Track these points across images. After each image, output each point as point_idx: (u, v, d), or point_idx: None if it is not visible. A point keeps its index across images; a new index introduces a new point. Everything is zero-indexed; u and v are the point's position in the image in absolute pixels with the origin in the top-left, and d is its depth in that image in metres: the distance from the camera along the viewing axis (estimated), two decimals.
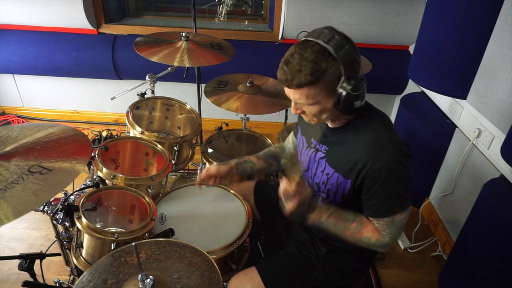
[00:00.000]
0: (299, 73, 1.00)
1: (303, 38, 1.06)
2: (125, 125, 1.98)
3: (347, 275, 1.37)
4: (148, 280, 0.93)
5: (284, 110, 2.21)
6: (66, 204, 1.33)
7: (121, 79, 3.14)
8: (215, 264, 1.05)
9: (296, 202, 1.12)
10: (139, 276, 0.93)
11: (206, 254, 1.09)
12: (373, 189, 1.10)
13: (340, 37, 1.03)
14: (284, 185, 1.13)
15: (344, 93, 1.03)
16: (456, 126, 2.23)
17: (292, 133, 1.57)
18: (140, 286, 0.93)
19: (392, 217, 1.11)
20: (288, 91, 1.09)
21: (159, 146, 1.77)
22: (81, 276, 1.01)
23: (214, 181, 1.49)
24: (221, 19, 3.35)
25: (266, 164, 1.55)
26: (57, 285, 1.59)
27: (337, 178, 1.18)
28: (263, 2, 3.25)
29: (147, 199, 1.45)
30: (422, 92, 2.67)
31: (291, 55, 1.03)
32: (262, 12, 3.31)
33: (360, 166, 1.10)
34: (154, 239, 1.17)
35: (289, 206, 1.14)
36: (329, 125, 1.22)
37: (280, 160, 1.58)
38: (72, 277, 1.67)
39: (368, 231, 1.16)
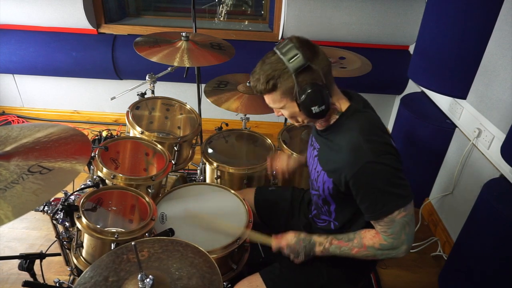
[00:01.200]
0: (258, 82, 1.13)
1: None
2: (125, 125, 1.98)
3: (351, 278, 1.37)
4: (148, 279, 0.93)
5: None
6: (66, 204, 1.33)
7: (121, 79, 3.14)
8: (217, 266, 1.05)
9: (288, 251, 1.26)
10: (139, 275, 0.93)
11: (208, 255, 1.09)
12: (360, 192, 1.11)
13: (297, 45, 1.07)
14: (273, 246, 1.30)
15: (299, 100, 1.10)
16: (456, 126, 2.23)
17: None
18: (140, 285, 0.93)
19: (389, 216, 1.10)
20: None
21: (159, 146, 1.77)
22: (83, 272, 1.01)
23: (283, 175, 1.60)
24: (221, 19, 3.35)
25: None
26: (57, 285, 1.59)
27: (323, 177, 1.22)
28: (263, 2, 3.25)
29: (147, 199, 1.45)
30: (422, 92, 2.67)
31: (256, 65, 1.15)
32: (262, 12, 3.31)
33: (340, 169, 1.13)
34: (157, 237, 1.17)
35: (290, 257, 1.27)
36: (317, 127, 1.27)
37: None
38: (72, 277, 1.67)
39: (369, 240, 1.16)
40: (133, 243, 0.93)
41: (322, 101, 1.09)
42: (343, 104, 1.20)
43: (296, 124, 1.24)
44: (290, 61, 1.07)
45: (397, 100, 3.18)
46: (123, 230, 1.32)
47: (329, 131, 1.21)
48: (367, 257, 1.18)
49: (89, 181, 1.53)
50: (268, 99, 1.17)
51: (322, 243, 1.22)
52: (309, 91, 1.07)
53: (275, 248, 1.29)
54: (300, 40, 1.10)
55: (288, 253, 1.26)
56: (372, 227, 1.18)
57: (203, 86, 2.18)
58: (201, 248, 1.11)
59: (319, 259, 1.35)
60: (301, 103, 1.10)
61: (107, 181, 1.55)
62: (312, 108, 1.10)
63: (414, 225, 1.13)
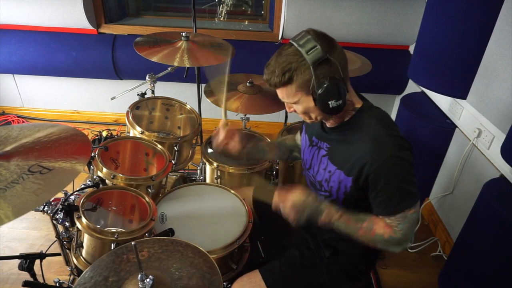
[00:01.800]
0: (273, 74, 1.08)
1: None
2: (125, 125, 1.98)
3: (351, 277, 1.37)
4: (148, 280, 0.93)
5: (284, 110, 2.20)
6: (66, 204, 1.33)
7: (121, 79, 3.14)
8: (217, 266, 1.05)
9: (291, 212, 1.16)
10: (139, 275, 0.93)
11: (208, 255, 1.09)
12: (378, 186, 1.10)
13: (315, 38, 1.04)
14: (274, 202, 1.20)
15: (316, 93, 1.06)
16: (456, 126, 2.23)
17: (299, 131, 1.58)
18: (140, 285, 0.93)
19: (403, 213, 1.09)
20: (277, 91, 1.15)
21: (159, 146, 1.77)
22: (83, 272, 1.01)
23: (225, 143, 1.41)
24: (221, 19, 3.35)
25: (280, 152, 1.61)
26: (57, 285, 1.59)
27: (339, 176, 1.18)
28: (263, 2, 3.25)
29: (147, 199, 1.45)
30: (422, 92, 2.67)
31: (271, 58, 1.10)
32: (262, 12, 3.31)
33: (361, 163, 1.10)
34: (157, 237, 1.17)
35: (289, 217, 1.17)
36: (327, 124, 1.23)
37: (293, 152, 1.61)
38: (72, 277, 1.67)
39: (380, 228, 1.13)
40: (133, 243, 0.93)
41: (339, 95, 1.06)
42: (357, 101, 1.19)
43: (308, 121, 1.20)
44: (308, 53, 1.03)
45: (397, 100, 3.18)
46: (123, 230, 1.32)
47: (344, 127, 1.18)
48: (369, 242, 1.14)
49: (89, 181, 1.53)
50: (281, 93, 1.13)
51: (331, 214, 1.15)
52: (326, 84, 1.04)
53: (275, 207, 1.20)
54: (318, 33, 1.07)
55: (289, 212, 1.16)
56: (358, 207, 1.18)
57: (203, 86, 2.18)
58: (201, 248, 1.11)
59: (318, 255, 1.35)
60: (318, 97, 1.06)
61: (107, 181, 1.55)
62: (329, 102, 1.06)
63: (415, 226, 1.13)
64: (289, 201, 1.16)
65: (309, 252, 1.38)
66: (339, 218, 1.15)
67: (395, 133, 1.11)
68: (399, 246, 1.13)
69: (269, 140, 2.03)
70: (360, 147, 1.11)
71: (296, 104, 1.14)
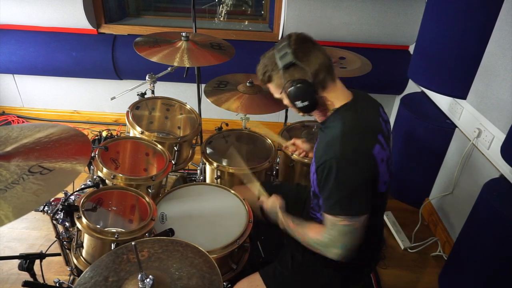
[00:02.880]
0: (258, 72, 1.27)
1: None
2: (125, 125, 1.98)
3: (351, 278, 1.37)
4: (148, 279, 0.93)
5: (284, 110, 2.21)
6: (66, 204, 1.33)
7: (121, 79, 3.14)
8: (217, 266, 1.05)
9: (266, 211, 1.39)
10: (139, 275, 0.93)
11: (208, 255, 1.09)
12: (321, 182, 1.16)
13: (290, 43, 1.15)
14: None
15: (286, 93, 1.19)
16: (456, 126, 2.23)
17: None
18: (140, 285, 0.93)
19: (335, 217, 1.12)
20: None
21: (159, 146, 1.77)
22: (83, 272, 1.01)
23: (294, 150, 1.83)
24: (221, 19, 3.35)
25: None
26: (57, 285, 1.59)
27: (312, 168, 1.27)
28: (263, 2, 3.25)
29: (147, 199, 1.45)
30: (422, 92, 2.67)
31: (261, 57, 1.27)
32: (262, 12, 3.31)
33: (316, 157, 1.20)
34: (157, 237, 1.17)
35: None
36: (317, 119, 1.33)
37: None
38: (72, 277, 1.67)
39: (312, 232, 1.21)
40: (133, 243, 0.93)
41: (305, 97, 1.16)
42: (339, 102, 1.22)
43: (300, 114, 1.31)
44: (280, 58, 1.16)
45: (397, 100, 3.18)
46: (123, 230, 1.32)
47: (323, 124, 1.27)
48: (309, 246, 1.23)
49: (89, 181, 1.53)
50: (269, 89, 1.29)
51: (283, 223, 1.32)
52: (293, 86, 1.15)
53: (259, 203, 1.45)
54: (297, 39, 1.17)
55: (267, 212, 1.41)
56: None
57: (203, 86, 2.18)
58: (201, 248, 1.11)
59: (319, 256, 1.35)
60: (288, 97, 1.19)
61: (107, 181, 1.55)
62: (296, 103, 1.18)
63: (356, 239, 1.13)
64: (265, 206, 1.42)
65: (310, 254, 1.38)
66: (288, 227, 1.30)
67: (350, 141, 1.13)
68: (326, 249, 1.16)
69: (269, 141, 2.04)
70: (322, 143, 1.20)
71: (282, 100, 1.27)
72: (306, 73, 1.15)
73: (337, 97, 1.22)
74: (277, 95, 1.26)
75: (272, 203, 1.39)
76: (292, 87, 1.15)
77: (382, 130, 1.20)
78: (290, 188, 1.68)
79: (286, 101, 1.24)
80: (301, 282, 1.35)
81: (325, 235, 1.15)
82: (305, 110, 1.19)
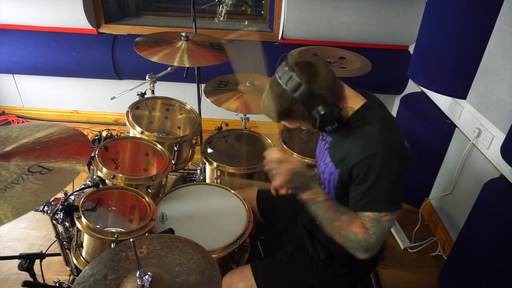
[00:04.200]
0: (270, 113, 1.18)
1: (275, 74, 1.15)
2: (125, 125, 1.98)
3: (343, 283, 1.36)
4: (147, 276, 0.92)
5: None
6: (66, 204, 1.33)
7: (121, 79, 3.13)
8: (216, 263, 1.05)
9: (286, 173, 1.20)
10: (137, 272, 0.92)
11: (207, 251, 1.09)
12: (358, 179, 1.10)
13: (298, 73, 1.08)
14: (270, 153, 1.25)
15: (312, 123, 1.14)
16: (456, 126, 2.23)
17: None
18: (139, 282, 0.92)
19: (376, 214, 1.08)
20: None
21: (159, 146, 1.77)
22: (83, 271, 1.01)
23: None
24: (221, 19, 3.35)
25: None
26: (57, 285, 1.59)
27: (331, 168, 1.21)
28: (263, 2, 3.25)
29: (147, 199, 1.45)
30: (422, 92, 2.67)
31: (264, 94, 1.19)
32: (262, 12, 3.31)
33: (348, 156, 1.12)
34: (156, 234, 1.17)
35: (277, 180, 1.22)
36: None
37: None
38: (72, 277, 1.67)
39: (357, 227, 1.10)
40: (131, 239, 0.92)
41: (334, 119, 1.11)
42: (356, 104, 1.19)
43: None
44: (295, 92, 1.09)
45: (397, 100, 3.18)
46: (123, 230, 1.32)
47: (344, 127, 1.20)
48: (340, 237, 1.12)
49: (89, 181, 1.53)
50: (284, 122, 1.22)
51: (315, 194, 1.18)
52: (318, 115, 1.10)
53: (271, 159, 1.24)
54: (299, 66, 1.10)
55: (283, 173, 1.21)
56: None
57: (203, 86, 2.18)
58: (199, 244, 1.11)
59: (313, 257, 1.35)
60: (314, 126, 1.13)
61: (107, 181, 1.55)
62: (326, 128, 1.13)
63: (385, 234, 1.10)
64: (288, 164, 1.21)
65: (304, 253, 1.38)
66: (322, 201, 1.17)
67: (389, 133, 1.11)
68: (366, 253, 1.09)
69: (269, 141, 2.03)
70: (353, 140, 1.14)
71: (301, 126, 1.23)
72: (325, 95, 1.10)
73: (351, 99, 1.19)
74: (296, 125, 1.21)
75: (300, 165, 1.22)
76: (320, 116, 1.10)
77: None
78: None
79: (308, 127, 1.19)
80: (289, 280, 1.34)
81: (372, 233, 1.08)
82: (333, 130, 1.14)
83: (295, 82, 1.08)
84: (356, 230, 1.10)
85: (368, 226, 1.09)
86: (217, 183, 1.83)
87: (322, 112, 1.09)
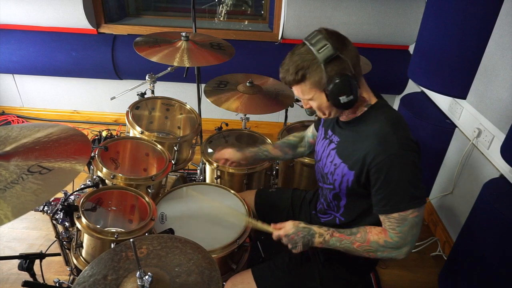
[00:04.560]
0: (287, 72, 1.12)
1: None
2: (125, 125, 1.98)
3: (345, 284, 1.36)
4: (147, 277, 0.92)
5: (284, 110, 2.21)
6: (66, 204, 1.33)
7: (121, 79, 3.14)
8: (216, 263, 1.05)
9: (286, 240, 1.22)
10: (137, 273, 0.92)
11: (207, 251, 1.09)
12: (378, 182, 1.10)
13: (326, 36, 1.08)
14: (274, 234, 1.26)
15: (328, 89, 1.09)
16: (456, 126, 2.23)
17: (313, 124, 1.61)
18: (139, 282, 0.92)
19: (401, 214, 1.08)
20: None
21: (159, 146, 1.77)
22: (83, 271, 1.01)
23: (224, 162, 1.68)
24: (221, 19, 3.35)
25: (282, 153, 1.64)
26: (57, 285, 1.59)
27: (343, 169, 1.20)
28: (263, 2, 3.25)
29: (147, 199, 1.45)
30: (422, 92, 2.67)
31: (286, 57, 1.15)
32: (262, 12, 3.31)
33: (364, 158, 1.12)
34: (156, 234, 1.17)
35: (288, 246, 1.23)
36: (341, 118, 1.26)
37: (296, 148, 1.66)
38: (72, 277, 1.67)
39: (374, 235, 1.14)
40: (131, 239, 0.92)
41: (351, 91, 1.08)
42: (371, 98, 1.20)
43: (323, 116, 1.22)
44: (320, 51, 1.06)
45: (397, 100, 3.18)
46: (123, 230, 1.32)
47: (355, 122, 1.21)
48: (368, 252, 1.15)
49: (89, 181, 1.53)
50: (297, 90, 1.16)
51: (322, 234, 1.19)
52: (337, 80, 1.07)
53: (275, 237, 1.26)
54: (329, 31, 1.10)
55: (286, 242, 1.23)
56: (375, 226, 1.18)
57: (203, 86, 2.18)
58: (199, 244, 1.11)
59: (313, 260, 1.35)
60: (329, 93, 1.09)
61: (107, 181, 1.55)
62: (340, 98, 1.09)
63: (420, 228, 1.12)
64: (282, 233, 1.23)
65: (305, 255, 1.38)
66: (331, 237, 1.19)
67: (403, 133, 1.11)
68: (398, 250, 1.12)
69: (269, 141, 2.04)
70: (366, 142, 1.13)
71: (312, 101, 1.17)
72: (348, 65, 1.08)
73: (367, 92, 1.19)
74: (308, 95, 1.15)
75: (292, 226, 1.23)
76: (338, 81, 1.07)
77: None
78: (286, 194, 1.66)
79: (320, 101, 1.15)
80: (291, 284, 1.34)
81: (394, 234, 1.10)
82: (348, 105, 1.11)
83: (322, 43, 1.06)
84: (374, 238, 1.14)
85: (392, 227, 1.11)
86: (217, 183, 1.83)
87: (339, 79, 1.07)
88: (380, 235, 1.14)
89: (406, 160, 1.07)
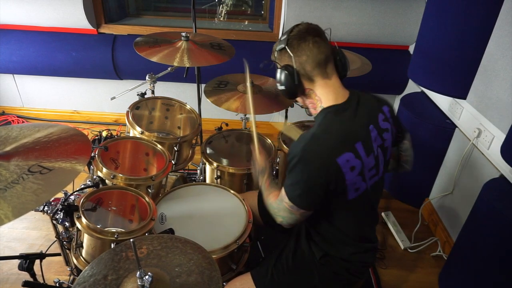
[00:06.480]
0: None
1: None
2: (125, 125, 1.98)
3: (343, 280, 1.36)
4: (147, 277, 0.92)
5: (284, 110, 2.21)
6: (66, 204, 1.33)
7: (121, 79, 3.14)
8: (216, 263, 1.05)
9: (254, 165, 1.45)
10: (138, 273, 0.92)
11: (207, 251, 1.09)
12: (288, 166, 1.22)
13: (292, 31, 1.21)
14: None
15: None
16: (456, 126, 2.23)
17: None
18: (139, 282, 0.92)
19: (285, 196, 1.19)
20: None
21: (159, 146, 1.77)
22: (83, 271, 1.01)
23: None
24: (221, 19, 3.35)
25: None
26: (57, 285, 1.59)
27: None
28: (263, 2, 3.25)
29: (147, 199, 1.45)
30: (422, 92, 2.67)
31: None
32: (262, 12, 3.31)
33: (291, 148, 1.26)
34: (156, 234, 1.17)
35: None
36: (307, 113, 1.35)
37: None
38: (72, 277, 1.67)
39: (272, 197, 1.32)
40: (131, 239, 0.92)
41: (284, 82, 1.21)
42: (329, 101, 1.21)
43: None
44: (279, 41, 1.24)
45: (397, 100, 3.18)
46: (123, 230, 1.32)
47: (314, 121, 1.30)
48: (266, 204, 1.33)
49: (89, 181, 1.53)
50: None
51: (263, 180, 1.40)
52: (277, 68, 1.24)
53: (254, 154, 1.48)
54: (300, 29, 1.20)
55: (252, 165, 1.48)
56: (319, 216, 1.29)
57: (203, 86, 2.18)
58: (199, 244, 1.11)
59: (309, 257, 1.35)
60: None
61: (107, 181, 1.55)
62: (277, 84, 1.25)
63: (295, 222, 1.24)
64: (257, 161, 1.45)
65: (301, 254, 1.38)
66: (264, 183, 1.39)
67: (315, 145, 1.15)
68: (275, 214, 1.27)
69: (269, 141, 2.03)
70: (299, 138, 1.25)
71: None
72: (292, 60, 1.19)
73: (326, 95, 1.21)
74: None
75: (258, 168, 1.44)
76: (278, 69, 1.22)
77: (365, 139, 1.18)
78: None
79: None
80: (290, 282, 1.35)
81: (277, 202, 1.25)
82: (284, 93, 1.25)
83: (285, 35, 1.22)
84: (270, 198, 1.32)
85: (280, 197, 1.25)
86: (217, 183, 1.83)
87: (279, 68, 1.22)
88: (274, 197, 1.30)
89: (297, 165, 1.16)
